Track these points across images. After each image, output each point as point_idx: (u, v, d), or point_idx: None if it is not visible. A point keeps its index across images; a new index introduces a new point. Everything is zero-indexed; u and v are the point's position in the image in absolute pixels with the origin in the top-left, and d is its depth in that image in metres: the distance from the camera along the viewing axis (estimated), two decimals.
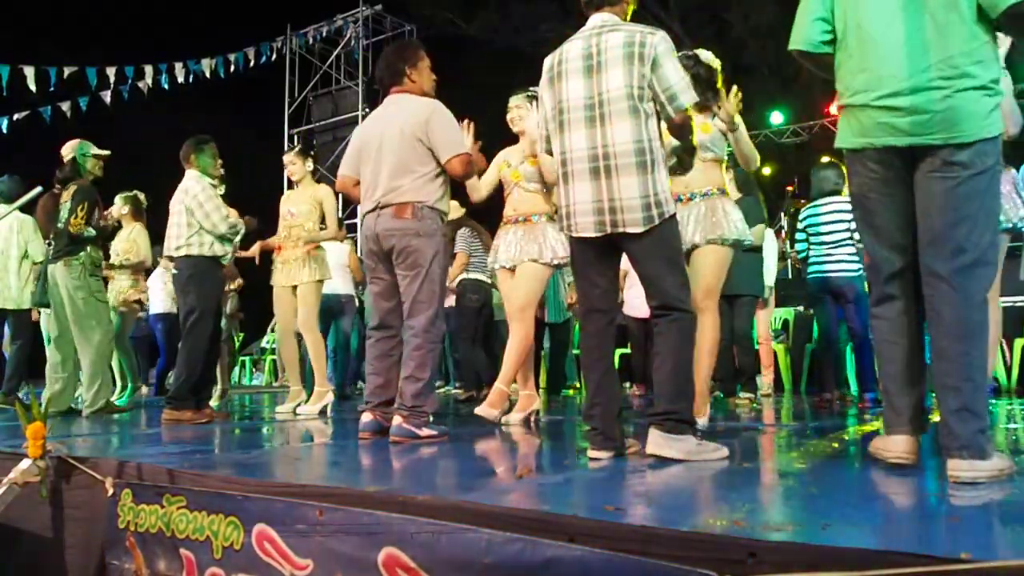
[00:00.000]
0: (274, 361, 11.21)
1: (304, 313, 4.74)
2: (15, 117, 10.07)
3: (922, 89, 2.06)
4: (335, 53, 14.29)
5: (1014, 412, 4.26)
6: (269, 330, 11.41)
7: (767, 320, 6.36)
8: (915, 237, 2.18)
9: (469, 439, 3.33)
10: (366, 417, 3.28)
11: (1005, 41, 2.75)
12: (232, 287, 6.04)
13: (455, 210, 5.97)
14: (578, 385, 7.34)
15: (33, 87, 9.64)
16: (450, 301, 6.34)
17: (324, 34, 14.28)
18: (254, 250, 4.92)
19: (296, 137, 14.35)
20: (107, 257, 5.53)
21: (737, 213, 3.29)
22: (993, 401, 4.76)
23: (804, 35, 2.33)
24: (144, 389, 7.03)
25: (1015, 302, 6.72)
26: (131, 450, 2.98)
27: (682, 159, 2.96)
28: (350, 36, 14.16)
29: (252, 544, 1.96)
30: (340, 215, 13.57)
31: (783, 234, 10.59)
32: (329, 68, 14.29)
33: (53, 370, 4.74)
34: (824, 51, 2.31)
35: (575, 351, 7.17)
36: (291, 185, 5.11)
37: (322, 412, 4.67)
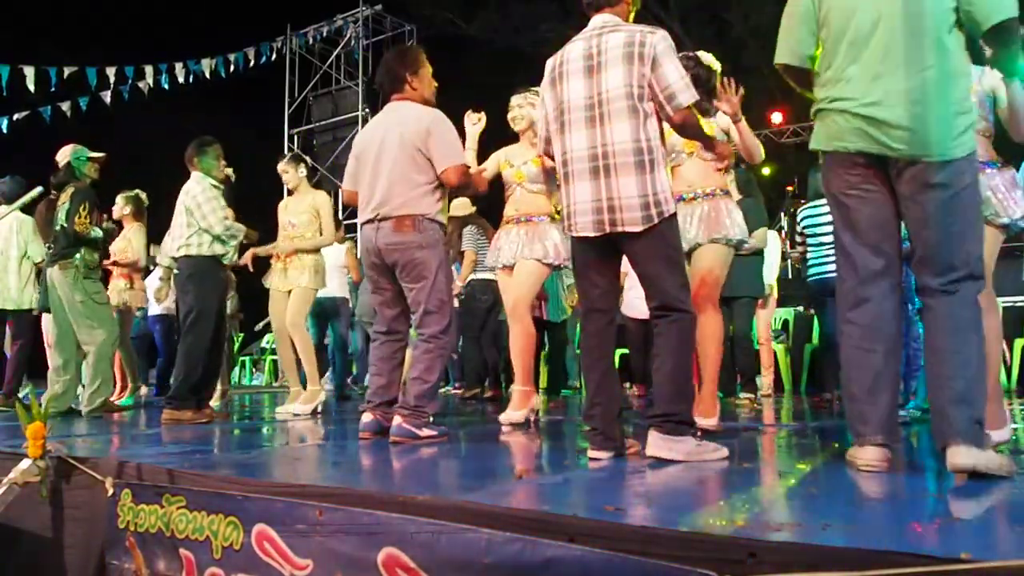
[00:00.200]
0: (274, 361, 11.21)
1: (293, 313, 4.75)
2: (15, 117, 10.07)
3: (901, 102, 2.11)
4: (335, 53, 14.29)
5: (1014, 412, 4.27)
6: (257, 329, 11.41)
7: (767, 321, 6.36)
8: (894, 241, 2.24)
9: (469, 439, 3.33)
10: (366, 417, 3.28)
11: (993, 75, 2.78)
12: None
13: (465, 207, 5.96)
14: (578, 385, 7.34)
15: (33, 87, 9.63)
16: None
17: (324, 34, 14.28)
18: (247, 258, 4.91)
19: (296, 137, 14.36)
20: (107, 257, 5.52)
21: (739, 214, 3.30)
22: None
23: (792, 49, 2.36)
24: (144, 389, 7.02)
25: (1015, 302, 6.72)
26: (131, 450, 2.97)
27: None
28: (350, 36, 14.16)
29: (252, 544, 1.96)
30: (341, 217, 13.64)
31: (783, 234, 10.58)
32: (329, 68, 14.29)
33: (55, 372, 4.74)
34: (810, 66, 2.35)
35: (576, 351, 7.18)
36: (290, 191, 5.10)
37: (315, 411, 4.68)
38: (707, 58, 3.38)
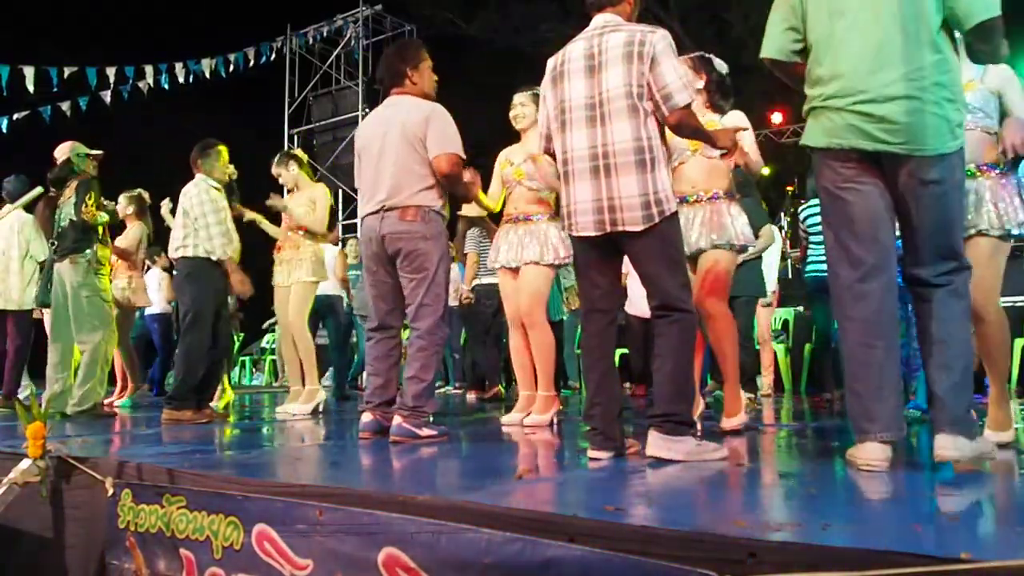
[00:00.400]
0: (274, 361, 11.21)
1: (293, 312, 4.74)
2: (15, 117, 10.06)
3: (895, 99, 2.12)
4: (335, 53, 14.28)
5: (1015, 412, 4.26)
6: (265, 327, 11.41)
7: (768, 321, 6.36)
8: (890, 235, 2.25)
9: (469, 439, 3.33)
10: (366, 417, 3.28)
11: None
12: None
13: (475, 208, 5.94)
14: (577, 385, 7.34)
15: (33, 87, 9.63)
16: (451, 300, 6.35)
17: (324, 34, 14.27)
18: (246, 213, 4.91)
19: (296, 137, 14.35)
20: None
21: (743, 218, 3.27)
22: None
23: (776, 44, 2.38)
24: (145, 388, 7.03)
25: (1015, 302, 6.71)
26: (131, 450, 2.98)
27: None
28: (350, 36, 14.15)
29: (252, 544, 1.96)
30: (341, 217, 13.62)
31: (783, 234, 10.58)
32: (329, 68, 14.28)
33: (54, 370, 4.73)
34: (794, 60, 2.37)
35: (577, 351, 7.18)
36: (289, 190, 5.11)
37: (315, 411, 4.68)
38: (717, 62, 3.39)
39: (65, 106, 10.25)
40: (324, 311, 6.36)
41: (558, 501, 1.85)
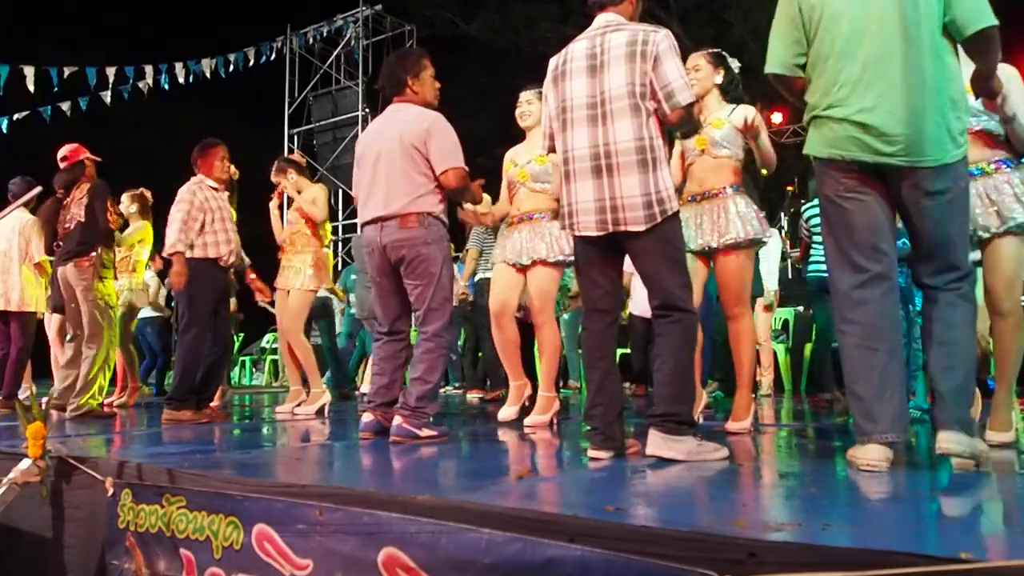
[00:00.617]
0: (274, 361, 11.21)
1: (288, 319, 4.75)
2: (15, 117, 10.06)
3: (897, 109, 2.12)
4: (335, 53, 14.27)
5: (1015, 414, 4.25)
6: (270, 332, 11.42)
7: (768, 321, 6.35)
8: (890, 243, 2.26)
9: (469, 439, 3.33)
10: (367, 417, 3.28)
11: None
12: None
13: (487, 206, 5.92)
14: (577, 385, 7.34)
15: (33, 87, 9.63)
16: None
17: (324, 34, 14.26)
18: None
19: (296, 137, 14.35)
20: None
21: (751, 210, 3.25)
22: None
23: (779, 58, 2.37)
24: (145, 389, 7.03)
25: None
26: (131, 450, 2.98)
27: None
28: (350, 36, 14.14)
29: (252, 544, 1.96)
30: (341, 217, 13.60)
31: (783, 234, 10.58)
32: (329, 68, 14.27)
33: (67, 366, 4.71)
34: (798, 74, 2.36)
35: (577, 350, 7.17)
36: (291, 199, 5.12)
37: (319, 412, 4.68)
38: (730, 59, 3.41)
39: (65, 106, 10.25)
40: (317, 312, 6.35)
41: (558, 501, 1.85)
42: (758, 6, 14.82)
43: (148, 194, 5.91)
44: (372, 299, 3.50)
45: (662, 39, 2.46)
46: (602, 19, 2.60)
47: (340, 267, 10.59)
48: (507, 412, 3.92)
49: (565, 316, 6.44)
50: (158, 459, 2.55)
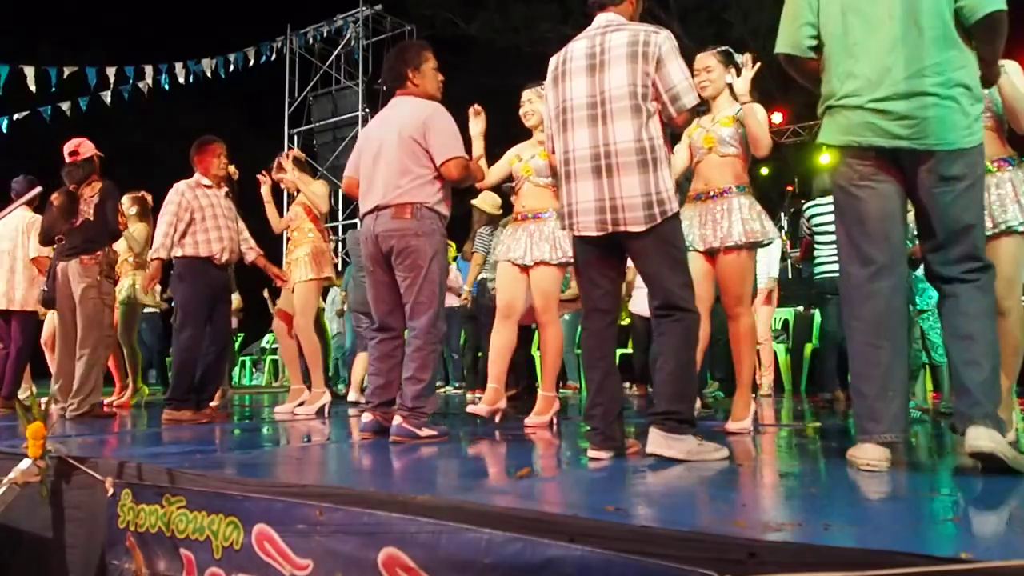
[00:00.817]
0: (274, 361, 11.21)
1: (297, 314, 4.73)
2: (15, 117, 10.06)
3: (909, 95, 2.11)
4: (335, 53, 14.28)
5: (1016, 415, 4.26)
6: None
7: (767, 320, 6.36)
8: (901, 235, 2.25)
9: (469, 439, 3.33)
10: (366, 417, 3.29)
11: None
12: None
13: (494, 206, 5.91)
14: (577, 385, 7.34)
15: (33, 87, 9.63)
16: (451, 300, 6.32)
17: (324, 34, 14.27)
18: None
19: (296, 137, 14.35)
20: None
21: (757, 209, 3.24)
22: None
23: (791, 39, 2.36)
24: (145, 390, 7.02)
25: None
26: (131, 450, 2.98)
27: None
28: (350, 36, 14.15)
29: (252, 544, 1.96)
30: (341, 216, 13.60)
31: (783, 234, 10.59)
32: (329, 68, 14.29)
33: (63, 365, 4.72)
34: (809, 56, 2.35)
35: (577, 350, 7.17)
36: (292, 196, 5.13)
37: (319, 412, 4.68)
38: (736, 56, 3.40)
39: (65, 106, 10.25)
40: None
41: (558, 501, 1.85)
42: (758, 6, 14.82)
43: (148, 197, 5.91)
44: (366, 292, 3.49)
45: (664, 40, 2.46)
46: (602, 19, 2.60)
47: (341, 267, 10.60)
48: (479, 408, 3.90)
49: (566, 317, 6.44)
50: (158, 459, 2.55)
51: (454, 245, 6.65)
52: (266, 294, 9.07)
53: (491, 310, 5.89)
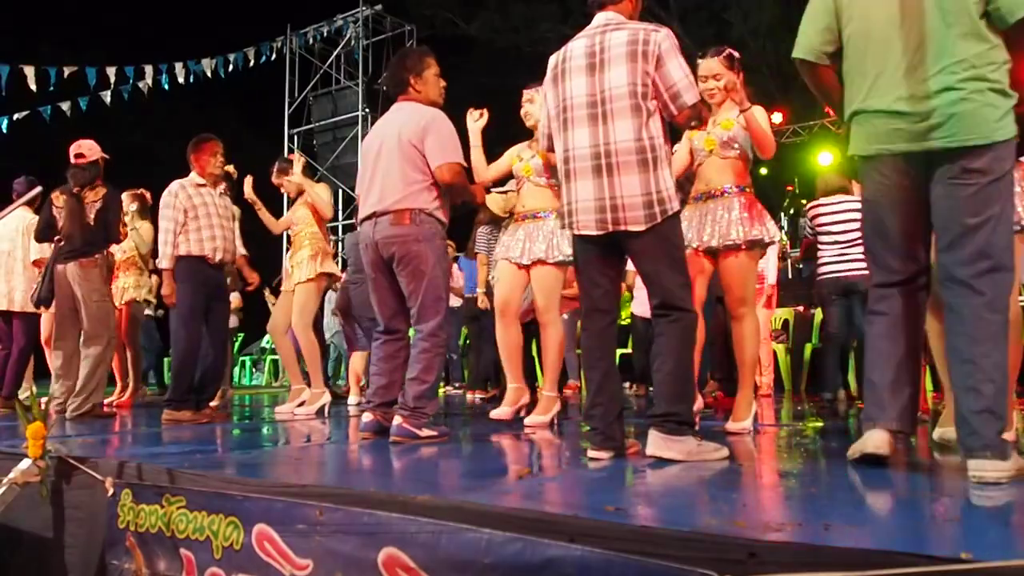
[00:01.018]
0: (274, 361, 11.21)
1: (296, 314, 4.72)
2: (15, 117, 10.06)
3: (936, 93, 2.07)
4: (335, 53, 14.28)
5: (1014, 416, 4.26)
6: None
7: (766, 321, 6.35)
8: (927, 245, 2.21)
9: (469, 439, 3.33)
10: (367, 417, 3.29)
11: None
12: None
13: (500, 209, 5.91)
14: (577, 384, 7.35)
15: (33, 87, 9.63)
16: (452, 301, 6.31)
17: (324, 34, 14.27)
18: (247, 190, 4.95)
19: (296, 137, 14.36)
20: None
21: (758, 209, 3.23)
22: None
23: (808, 44, 2.32)
24: (146, 390, 7.03)
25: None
26: (131, 450, 2.98)
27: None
28: (350, 36, 14.15)
29: (252, 544, 1.96)
30: (341, 217, 13.60)
31: (783, 234, 10.57)
32: (329, 68, 14.28)
33: (59, 373, 4.72)
34: (824, 62, 2.32)
35: (577, 350, 7.17)
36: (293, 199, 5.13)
37: (319, 412, 4.68)
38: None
39: (65, 106, 10.25)
40: None
41: (558, 501, 1.85)
42: (758, 6, 14.83)
43: (147, 195, 5.91)
44: (370, 297, 3.48)
45: (664, 39, 2.46)
46: (601, 17, 2.60)
47: (340, 267, 10.61)
48: (501, 411, 3.90)
49: (564, 316, 6.43)
50: (158, 459, 2.55)
51: (454, 245, 6.64)
52: (267, 294, 9.07)
53: (493, 311, 5.90)
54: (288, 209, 5.30)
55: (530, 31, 15.80)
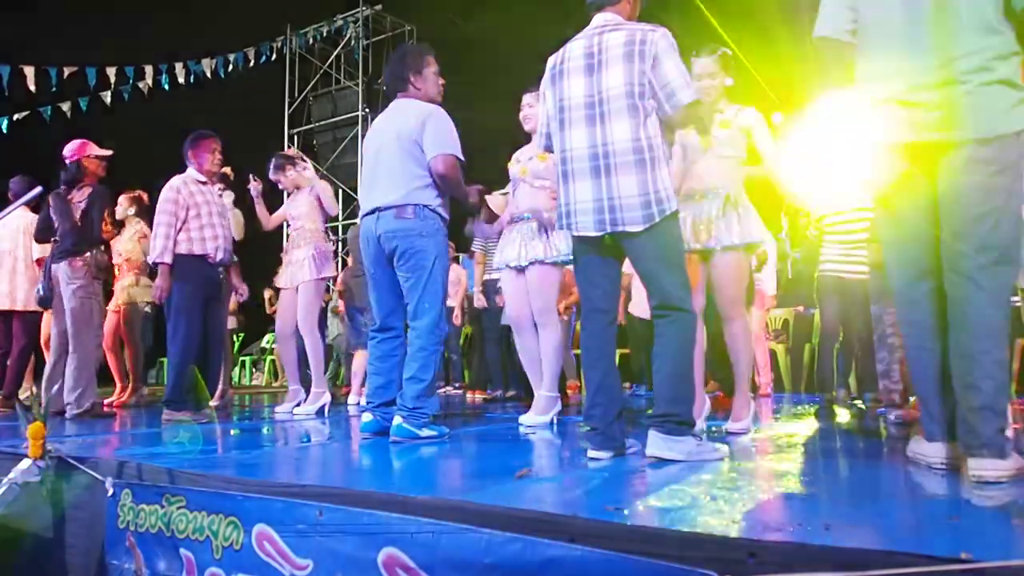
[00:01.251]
0: (274, 361, 11.21)
1: (302, 313, 4.72)
2: (15, 117, 10.06)
3: (947, 84, 2.05)
4: (335, 53, 14.27)
5: (1014, 411, 4.26)
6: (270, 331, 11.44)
7: (762, 319, 6.35)
8: (935, 241, 2.19)
9: (469, 439, 3.33)
10: (366, 417, 3.29)
11: None
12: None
13: (500, 208, 5.90)
14: (577, 384, 7.35)
15: (33, 87, 9.62)
16: (451, 300, 6.32)
17: (324, 34, 14.25)
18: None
19: (296, 137, 14.35)
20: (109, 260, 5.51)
21: (752, 213, 3.23)
22: None
23: (830, 22, 2.30)
24: (145, 389, 7.02)
25: (1014, 302, 6.71)
26: (131, 450, 2.98)
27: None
28: (350, 36, 14.14)
29: (252, 544, 1.96)
30: (341, 216, 13.61)
31: (784, 233, 10.55)
32: (329, 68, 14.27)
33: (53, 369, 4.73)
34: (848, 40, 2.28)
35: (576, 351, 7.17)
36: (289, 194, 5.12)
37: (319, 412, 4.68)
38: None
39: (65, 106, 10.24)
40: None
41: (558, 501, 1.85)
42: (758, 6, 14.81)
43: (144, 196, 5.91)
44: (368, 293, 3.49)
45: (660, 38, 2.46)
46: (600, 18, 2.60)
47: (340, 267, 10.62)
48: (531, 419, 3.84)
49: (563, 317, 6.43)
50: (158, 459, 2.55)
51: (454, 245, 6.65)
52: (267, 294, 9.06)
53: (496, 312, 5.91)
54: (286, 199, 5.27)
55: (530, 31, 15.80)
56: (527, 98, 3.92)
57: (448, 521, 1.65)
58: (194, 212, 4.31)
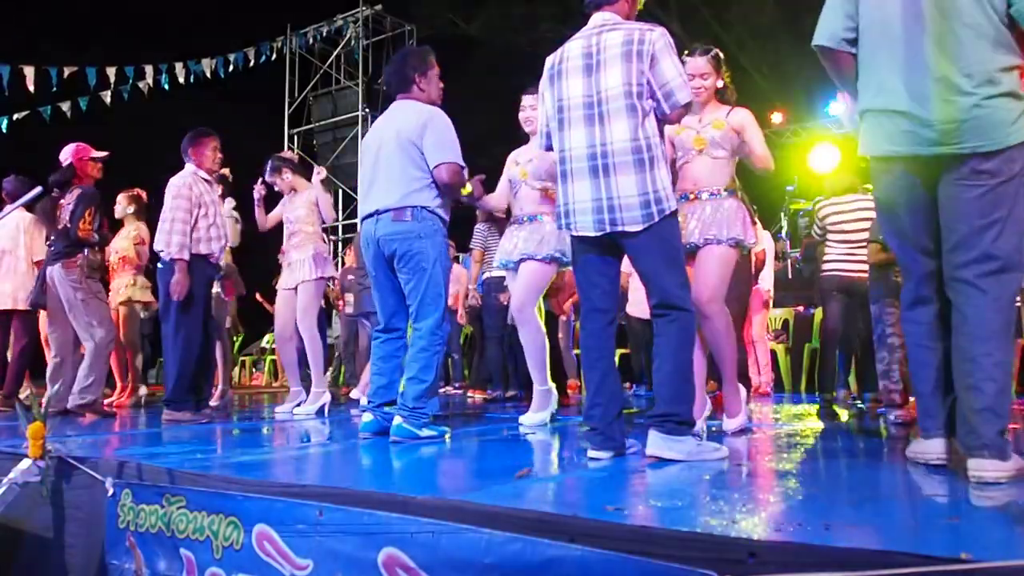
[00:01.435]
0: (274, 361, 11.20)
1: (301, 312, 4.72)
2: (15, 117, 10.05)
3: (948, 97, 2.04)
4: (335, 53, 14.27)
5: (1014, 411, 4.26)
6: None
7: (762, 321, 6.35)
8: (938, 246, 2.19)
9: (469, 439, 3.33)
10: (367, 417, 3.29)
11: None
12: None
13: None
14: (577, 383, 7.35)
15: (33, 87, 9.62)
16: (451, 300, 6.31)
17: (324, 34, 14.25)
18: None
19: (296, 137, 14.35)
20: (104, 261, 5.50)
21: (742, 213, 3.21)
22: None
23: (828, 29, 2.29)
24: (143, 389, 7.02)
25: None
26: (131, 450, 2.98)
27: None
28: (350, 36, 14.13)
29: (252, 544, 1.96)
30: (341, 217, 13.60)
31: (783, 234, 10.56)
32: (329, 68, 14.27)
33: (55, 370, 4.73)
34: (847, 49, 2.27)
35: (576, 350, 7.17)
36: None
37: (319, 412, 4.68)
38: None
39: (65, 106, 10.24)
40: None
41: (558, 501, 1.85)
42: (758, 6, 14.82)
43: (143, 194, 5.90)
44: (371, 295, 3.50)
45: (658, 37, 2.46)
46: (598, 18, 2.60)
47: (339, 267, 10.63)
48: (531, 418, 3.83)
49: (564, 317, 6.43)
50: (158, 459, 2.55)
51: (454, 244, 6.65)
52: (258, 296, 9.05)
53: (497, 310, 5.91)
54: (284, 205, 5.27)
55: (530, 31, 15.78)
56: (527, 99, 3.91)
57: (448, 521, 1.65)
58: (203, 211, 4.28)
